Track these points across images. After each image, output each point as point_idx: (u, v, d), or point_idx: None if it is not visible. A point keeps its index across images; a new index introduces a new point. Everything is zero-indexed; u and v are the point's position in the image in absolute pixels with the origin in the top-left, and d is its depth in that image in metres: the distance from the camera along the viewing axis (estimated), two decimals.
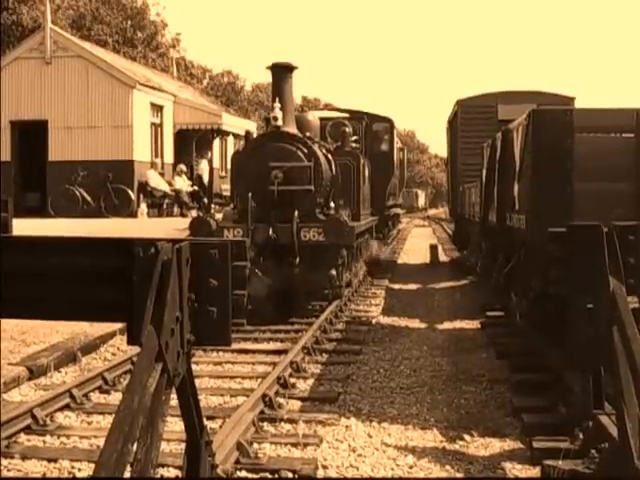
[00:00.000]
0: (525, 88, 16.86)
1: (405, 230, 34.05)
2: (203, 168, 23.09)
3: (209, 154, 24.27)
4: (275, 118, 10.27)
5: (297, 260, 9.72)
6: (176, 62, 38.40)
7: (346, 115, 15.89)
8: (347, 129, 13.17)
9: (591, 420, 4.69)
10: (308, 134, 10.83)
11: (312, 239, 9.80)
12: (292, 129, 10.60)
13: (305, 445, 5.12)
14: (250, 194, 9.75)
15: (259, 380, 6.76)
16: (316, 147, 10.63)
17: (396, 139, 19.38)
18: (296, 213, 9.84)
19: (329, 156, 11.11)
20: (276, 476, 4.61)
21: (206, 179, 22.71)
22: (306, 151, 10.36)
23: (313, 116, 12.50)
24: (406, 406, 6.18)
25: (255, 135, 11.53)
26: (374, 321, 10.24)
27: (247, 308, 8.79)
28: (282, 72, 10.62)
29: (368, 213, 13.91)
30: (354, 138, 13.94)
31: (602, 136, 6.83)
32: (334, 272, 10.01)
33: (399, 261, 19.66)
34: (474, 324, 9.88)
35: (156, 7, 41.27)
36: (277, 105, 10.30)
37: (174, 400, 2.75)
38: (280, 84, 10.58)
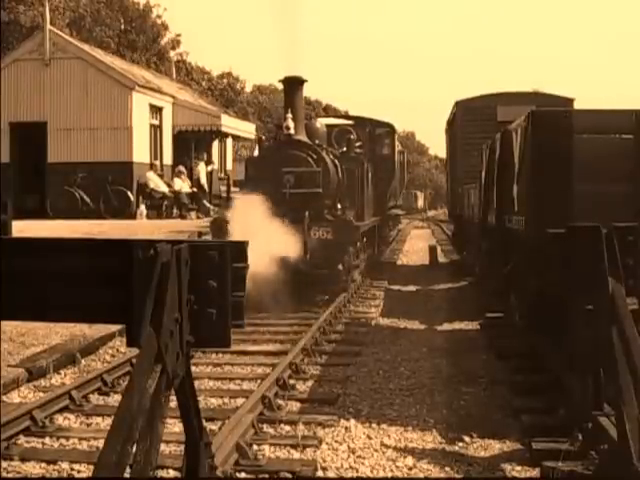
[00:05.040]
0: (524, 89, 16.88)
1: (404, 231, 34.03)
2: (201, 170, 23.06)
3: (207, 156, 24.23)
4: (287, 127, 11.32)
5: (307, 257, 10.46)
6: (177, 65, 38.31)
7: (350, 122, 17.03)
8: (352, 136, 14.18)
9: (590, 421, 4.69)
10: (317, 141, 11.83)
11: (321, 237, 10.74)
12: (302, 137, 11.62)
13: (304, 446, 5.11)
14: (264, 197, 10.38)
15: (258, 381, 6.76)
16: (324, 153, 11.64)
17: (397, 143, 19.89)
18: (307, 214, 10.69)
19: (336, 161, 12.09)
20: (275, 477, 4.61)
21: (204, 181, 22.66)
22: (315, 157, 11.37)
23: (320, 124, 13.51)
24: (405, 407, 6.17)
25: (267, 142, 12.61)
26: (373, 322, 10.24)
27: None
28: (293, 84, 11.67)
29: (371, 214, 14.57)
30: (358, 144, 14.79)
31: (601, 137, 6.82)
32: (341, 267, 11.04)
33: (398, 262, 19.67)
34: (473, 325, 9.88)
35: (157, 9, 41.28)
36: (289, 115, 11.36)
37: (173, 401, 2.75)
38: (292, 96, 11.64)
